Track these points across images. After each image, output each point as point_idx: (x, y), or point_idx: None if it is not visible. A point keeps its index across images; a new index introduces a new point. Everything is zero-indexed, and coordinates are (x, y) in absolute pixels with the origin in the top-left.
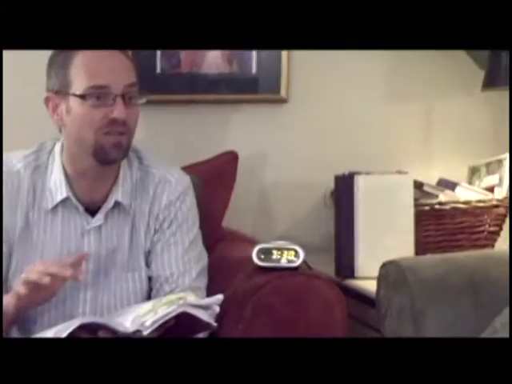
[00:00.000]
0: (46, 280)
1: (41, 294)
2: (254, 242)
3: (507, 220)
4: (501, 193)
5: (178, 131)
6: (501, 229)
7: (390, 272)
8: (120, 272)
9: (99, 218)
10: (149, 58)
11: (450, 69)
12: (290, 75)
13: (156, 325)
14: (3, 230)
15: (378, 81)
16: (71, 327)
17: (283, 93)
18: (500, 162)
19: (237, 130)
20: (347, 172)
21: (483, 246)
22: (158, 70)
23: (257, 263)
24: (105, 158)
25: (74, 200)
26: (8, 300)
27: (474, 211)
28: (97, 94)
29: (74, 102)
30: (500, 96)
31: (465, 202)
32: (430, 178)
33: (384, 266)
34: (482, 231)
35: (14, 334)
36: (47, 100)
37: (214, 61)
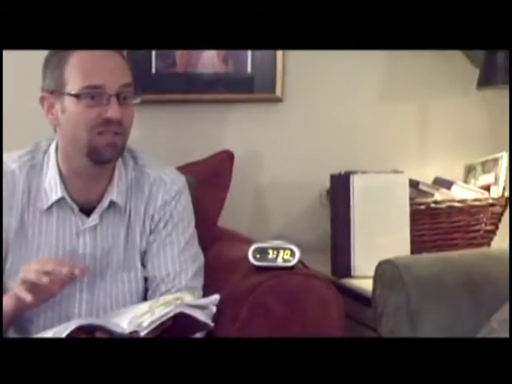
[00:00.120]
0: (45, 280)
1: (39, 295)
2: (249, 242)
3: (503, 219)
4: (497, 191)
5: (173, 131)
6: (497, 228)
7: (386, 271)
8: (116, 272)
9: (94, 217)
10: (144, 57)
11: (445, 68)
12: (285, 75)
13: (153, 325)
14: None
15: (373, 80)
16: (69, 329)
17: (278, 92)
18: (496, 160)
19: (232, 129)
20: (343, 171)
21: (479, 245)
22: (154, 70)
23: (253, 263)
24: (99, 157)
25: (68, 200)
26: (6, 301)
27: (469, 210)
28: (91, 94)
29: (68, 102)
30: (495, 95)
31: (461, 201)
32: (425, 176)
33: (380, 265)
34: (478, 230)
35: (11, 334)
36: (42, 99)
37: (209, 60)
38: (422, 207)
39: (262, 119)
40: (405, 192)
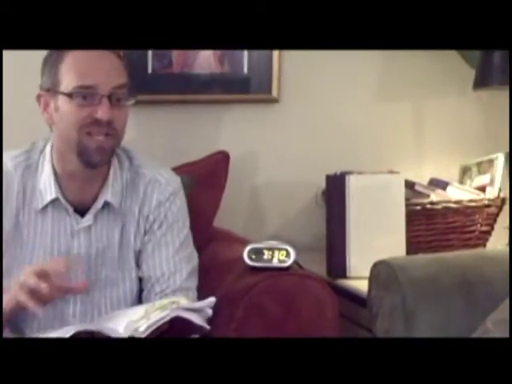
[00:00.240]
0: (44, 287)
1: (38, 299)
2: (245, 242)
3: (498, 219)
4: (492, 192)
5: (169, 131)
6: (492, 228)
7: (382, 272)
8: (110, 272)
9: (88, 218)
10: (140, 58)
11: (441, 68)
12: (282, 75)
13: (150, 330)
14: None
15: (369, 80)
16: (67, 335)
17: (275, 93)
18: (491, 161)
19: (228, 129)
20: (339, 172)
21: (475, 246)
22: (150, 70)
23: (248, 263)
24: (88, 160)
25: (63, 201)
26: (4, 302)
27: (465, 211)
28: (83, 94)
29: (61, 101)
30: (491, 95)
31: (456, 202)
32: (421, 177)
33: (375, 265)
34: (474, 231)
35: (6, 334)
36: (39, 97)
37: (205, 61)
38: (418, 208)
39: (258, 120)
40: (400, 193)
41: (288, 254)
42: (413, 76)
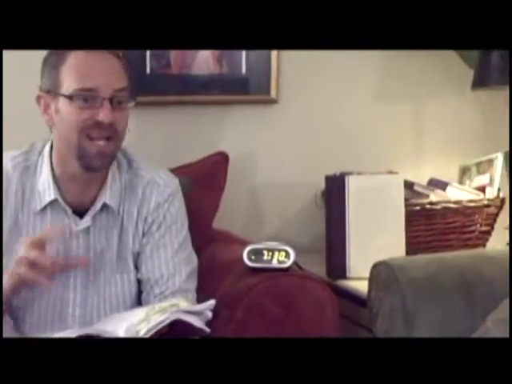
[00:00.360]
0: (44, 257)
1: (39, 272)
2: (244, 243)
3: (498, 219)
4: (492, 192)
5: (168, 132)
6: (492, 228)
7: (381, 272)
8: (109, 274)
9: (87, 219)
10: (138, 58)
11: (439, 69)
12: (280, 76)
13: (150, 333)
14: None
15: (368, 81)
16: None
17: (273, 94)
18: (491, 161)
19: (227, 130)
20: (338, 172)
21: (474, 246)
22: (148, 71)
23: (247, 264)
24: (89, 164)
25: (62, 202)
26: (5, 280)
27: (464, 211)
28: (84, 97)
29: (62, 103)
30: (490, 95)
31: (456, 202)
32: (420, 177)
33: (375, 266)
34: (473, 231)
35: (8, 333)
36: (39, 99)
37: (204, 62)
38: (417, 208)
39: (256, 120)
40: (400, 193)
41: (288, 255)
42: (412, 76)
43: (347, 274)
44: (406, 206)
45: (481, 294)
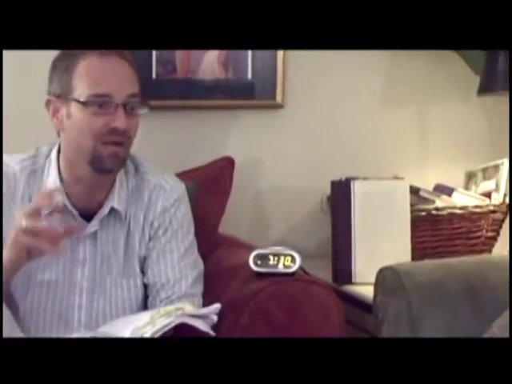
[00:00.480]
0: (40, 224)
1: (37, 238)
2: (250, 248)
3: (504, 225)
4: (498, 198)
5: (173, 137)
6: (498, 234)
7: (387, 277)
8: (115, 278)
9: (94, 224)
10: (144, 63)
11: (445, 74)
12: (286, 81)
13: (155, 337)
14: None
15: (373, 86)
16: None
17: (279, 98)
18: (496, 167)
19: (233, 135)
20: (344, 177)
21: (480, 252)
22: (154, 76)
23: (253, 269)
24: (101, 167)
25: (69, 206)
26: (5, 253)
27: (470, 217)
28: (99, 102)
29: (75, 108)
30: (496, 101)
31: (461, 208)
32: (426, 183)
33: (381, 271)
34: (479, 237)
35: (17, 333)
36: (48, 103)
37: (209, 66)
38: (423, 214)
39: (262, 125)
40: (405, 198)
41: (293, 260)
42: (417, 82)
43: (353, 279)
44: (412, 211)
45: (486, 299)
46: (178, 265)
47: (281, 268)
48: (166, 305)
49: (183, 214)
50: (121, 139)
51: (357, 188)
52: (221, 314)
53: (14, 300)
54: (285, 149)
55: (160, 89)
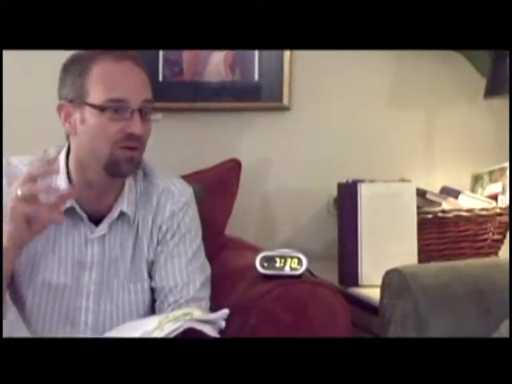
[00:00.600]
0: (38, 187)
1: (37, 208)
2: (257, 250)
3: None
4: (504, 201)
5: (180, 139)
6: (504, 237)
7: (394, 280)
8: (122, 282)
9: (103, 227)
10: (151, 65)
11: (452, 77)
12: (293, 83)
13: None
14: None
15: (380, 88)
16: None
17: (286, 101)
18: (503, 170)
19: (240, 137)
20: (350, 180)
21: (487, 254)
22: (161, 78)
23: (260, 271)
24: (117, 171)
25: (78, 209)
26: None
27: (477, 219)
28: (115, 107)
29: (89, 113)
30: (502, 104)
31: (468, 210)
32: (432, 185)
33: (387, 273)
34: (486, 239)
35: (22, 331)
36: (60, 108)
37: (216, 69)
38: (430, 216)
39: (269, 127)
40: (412, 201)
41: (300, 262)
42: (424, 84)
43: (359, 282)
44: (419, 213)
45: (493, 302)
46: (186, 269)
47: (287, 270)
48: (173, 309)
49: (191, 218)
50: (136, 144)
51: (363, 190)
52: (228, 316)
53: (21, 294)
54: (291, 151)
55: (167, 91)
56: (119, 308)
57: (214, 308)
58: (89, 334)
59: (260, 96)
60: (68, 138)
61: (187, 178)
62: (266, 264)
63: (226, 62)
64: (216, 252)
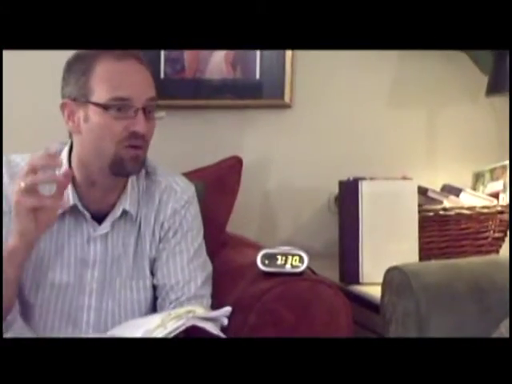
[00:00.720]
0: (38, 177)
1: (42, 198)
2: (258, 247)
3: None
4: (505, 199)
5: (181, 137)
6: (505, 235)
7: (395, 278)
8: (125, 280)
9: (106, 225)
10: (152, 63)
11: (454, 75)
12: (294, 81)
13: None
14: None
15: (381, 86)
16: None
17: (287, 98)
18: (504, 167)
19: (241, 135)
20: (351, 177)
21: (488, 252)
22: (162, 75)
23: (261, 268)
24: (121, 170)
25: (80, 208)
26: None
27: (478, 217)
28: (118, 106)
29: (93, 111)
30: (504, 102)
31: (469, 208)
32: (434, 183)
33: (388, 271)
34: (487, 237)
35: (28, 333)
36: (63, 106)
37: (217, 66)
38: (431, 214)
39: (270, 125)
40: (413, 199)
41: (301, 260)
42: (425, 82)
43: (360, 280)
44: (420, 211)
45: (494, 300)
46: (188, 267)
47: (288, 268)
48: (175, 306)
49: (193, 216)
50: (140, 143)
51: (365, 188)
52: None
53: (23, 293)
54: (293, 148)
55: (168, 88)
56: (121, 306)
57: (214, 305)
58: (91, 333)
59: (261, 93)
60: (71, 136)
61: (188, 175)
62: (267, 261)
63: (228, 60)
64: (217, 249)
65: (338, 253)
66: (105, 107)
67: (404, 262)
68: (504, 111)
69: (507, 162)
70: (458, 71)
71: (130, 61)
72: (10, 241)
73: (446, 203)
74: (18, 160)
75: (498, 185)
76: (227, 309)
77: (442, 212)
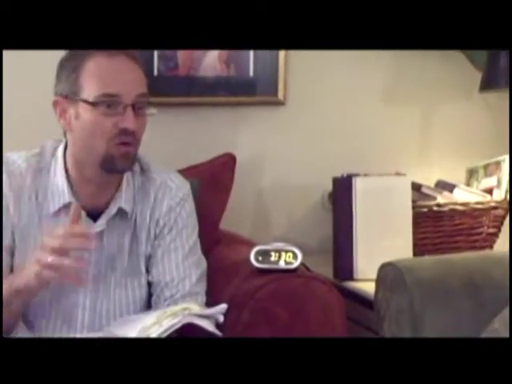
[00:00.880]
0: (67, 261)
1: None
2: (251, 244)
3: (506, 222)
4: (499, 194)
5: (175, 134)
6: (499, 230)
7: (388, 273)
8: (120, 278)
9: (101, 223)
10: (146, 60)
11: (447, 71)
12: (288, 78)
13: (162, 336)
14: (8, 223)
15: (376, 83)
16: None
17: (281, 95)
18: (498, 163)
19: (234, 132)
20: (345, 174)
21: (482, 248)
22: (156, 73)
23: (255, 265)
24: (113, 167)
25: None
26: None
27: (472, 213)
28: (107, 103)
29: (83, 108)
30: (498, 98)
31: (463, 204)
32: (428, 179)
33: (382, 267)
34: (481, 233)
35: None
36: (55, 104)
37: (211, 63)
38: (425, 210)
39: (264, 122)
40: (407, 195)
41: (295, 256)
42: (419, 78)
43: (354, 276)
44: (414, 207)
45: (488, 295)
46: (183, 264)
47: (282, 264)
48: (169, 303)
49: (188, 213)
50: (130, 139)
51: (358, 184)
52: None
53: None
54: (286, 145)
55: (162, 85)
56: (116, 304)
57: (208, 302)
58: (85, 331)
59: (255, 91)
60: (65, 134)
61: (182, 172)
62: (260, 258)
63: (221, 57)
64: (211, 246)
65: (332, 249)
66: (94, 104)
67: (398, 257)
68: (497, 107)
69: (501, 158)
70: (452, 68)
71: (120, 57)
72: (23, 274)
73: (440, 199)
74: (15, 158)
75: (492, 181)
76: (223, 306)
77: (435, 208)
